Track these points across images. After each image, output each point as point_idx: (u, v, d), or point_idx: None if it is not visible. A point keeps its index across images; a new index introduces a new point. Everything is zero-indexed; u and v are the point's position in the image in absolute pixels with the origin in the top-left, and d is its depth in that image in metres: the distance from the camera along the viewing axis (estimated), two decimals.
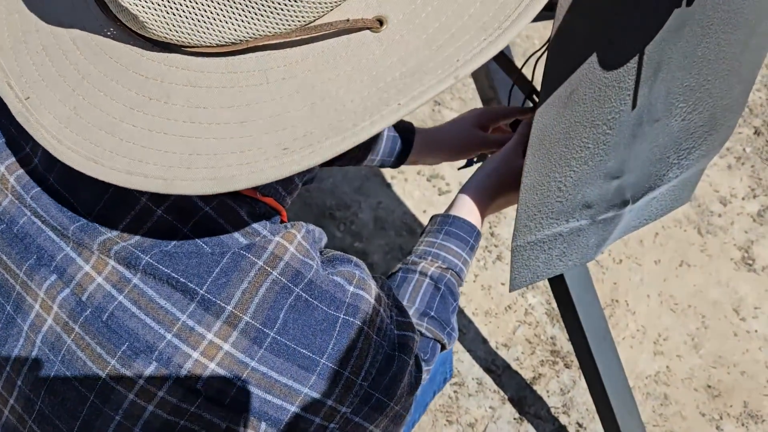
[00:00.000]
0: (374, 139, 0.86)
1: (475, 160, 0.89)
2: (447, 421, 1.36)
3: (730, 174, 1.77)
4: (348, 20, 0.38)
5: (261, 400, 0.45)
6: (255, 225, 0.47)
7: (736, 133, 1.85)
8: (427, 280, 0.68)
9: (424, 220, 1.62)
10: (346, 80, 0.38)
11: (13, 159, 0.49)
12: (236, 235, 0.46)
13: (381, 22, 0.39)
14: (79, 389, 0.45)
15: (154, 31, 0.39)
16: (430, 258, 0.70)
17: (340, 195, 1.65)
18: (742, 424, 1.39)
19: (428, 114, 1.82)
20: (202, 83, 0.40)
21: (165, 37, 0.39)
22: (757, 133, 1.85)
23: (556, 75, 0.56)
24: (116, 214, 0.46)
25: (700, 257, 1.62)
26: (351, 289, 0.49)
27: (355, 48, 0.39)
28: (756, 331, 1.51)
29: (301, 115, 0.38)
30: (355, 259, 0.53)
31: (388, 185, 1.67)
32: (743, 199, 1.72)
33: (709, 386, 1.43)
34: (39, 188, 0.48)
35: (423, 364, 0.64)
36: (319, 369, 0.46)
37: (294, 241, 0.47)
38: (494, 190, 0.75)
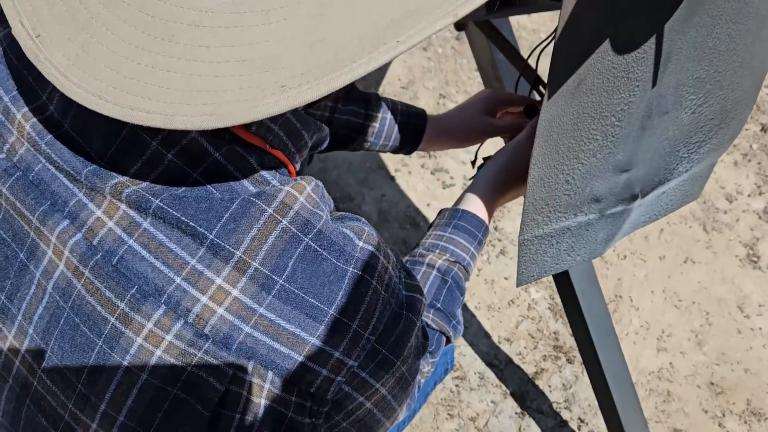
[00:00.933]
0: (379, 122, 0.86)
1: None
2: (448, 414, 1.35)
3: (737, 171, 1.76)
4: None
5: (268, 347, 0.45)
6: (264, 173, 0.48)
7: (743, 129, 1.84)
8: (435, 272, 0.68)
9: (428, 213, 1.61)
10: (347, 20, 0.39)
11: (30, 107, 0.50)
12: (245, 182, 0.47)
13: None
14: (88, 335, 0.46)
15: None
16: (438, 251, 0.70)
17: (344, 187, 1.64)
18: (745, 422, 1.38)
19: (433, 107, 1.81)
20: (206, 23, 0.40)
21: None
22: (764, 129, 1.84)
23: (563, 66, 0.55)
24: (128, 159, 0.47)
25: (705, 254, 1.61)
26: (360, 243, 0.49)
27: None
28: (760, 328, 1.50)
29: (300, 55, 0.39)
30: (363, 218, 0.53)
31: (392, 178, 1.67)
32: (749, 196, 1.71)
33: (713, 383, 1.43)
34: (53, 135, 0.48)
35: (428, 355, 0.64)
36: (326, 319, 0.46)
37: (304, 192, 0.48)
38: (503, 184, 0.75)
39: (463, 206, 0.74)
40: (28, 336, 0.48)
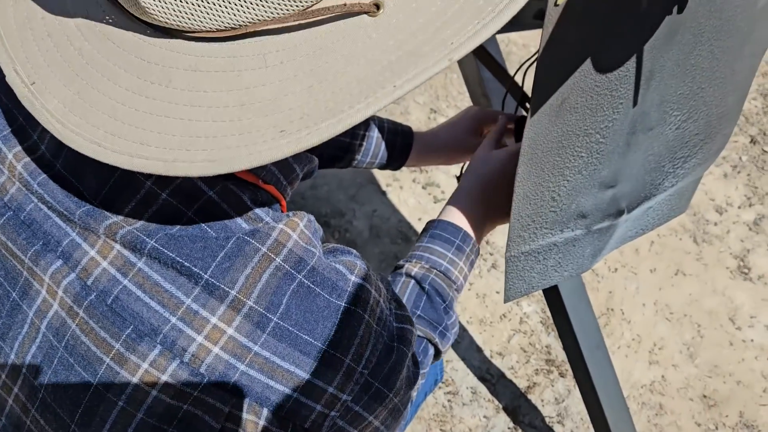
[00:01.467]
0: (366, 140, 0.87)
1: None
2: (441, 430, 1.35)
3: (726, 182, 1.77)
4: (345, 4, 0.39)
5: (263, 384, 0.45)
6: (258, 211, 0.48)
7: (732, 141, 1.85)
8: (412, 281, 0.69)
9: (419, 227, 1.61)
10: (343, 64, 0.39)
11: (21, 146, 0.50)
12: (239, 220, 0.47)
13: (378, 6, 0.39)
14: (82, 375, 0.45)
15: (157, 17, 0.40)
16: (414, 260, 0.71)
17: (335, 203, 1.64)
18: None
19: (424, 121, 1.81)
20: (203, 68, 0.40)
21: (167, 23, 0.40)
22: (753, 141, 1.85)
23: (546, 85, 0.56)
24: (122, 198, 0.47)
25: (696, 266, 1.61)
26: (352, 278, 0.49)
27: (352, 32, 0.40)
28: (752, 340, 1.51)
29: (298, 98, 0.39)
30: (354, 251, 0.54)
31: (383, 193, 1.67)
32: (739, 207, 1.72)
33: (705, 396, 1.43)
34: (46, 175, 0.48)
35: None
36: (320, 355, 0.46)
37: (297, 229, 0.48)
38: (483, 194, 0.75)
39: (440, 216, 0.75)
40: (21, 375, 0.48)
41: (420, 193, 1.67)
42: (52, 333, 0.46)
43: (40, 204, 0.48)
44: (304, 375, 0.46)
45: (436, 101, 1.86)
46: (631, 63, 0.60)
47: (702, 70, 0.67)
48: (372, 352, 0.49)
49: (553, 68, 0.55)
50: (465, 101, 1.86)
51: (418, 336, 0.66)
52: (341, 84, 0.38)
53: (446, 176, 1.70)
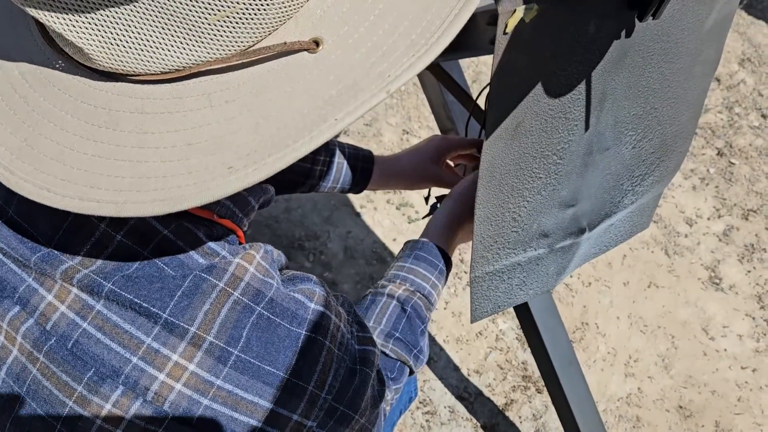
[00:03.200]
0: (327, 165, 0.88)
1: (438, 205, 0.91)
2: None
3: (695, 195, 1.80)
4: (285, 43, 0.40)
5: (228, 417, 0.45)
6: (213, 245, 0.48)
7: (699, 154, 1.89)
8: (394, 302, 0.70)
9: (394, 248, 1.62)
10: (286, 100, 0.40)
11: None
12: (196, 256, 0.47)
13: (317, 43, 0.41)
14: (45, 419, 0.45)
15: (100, 62, 0.40)
16: (398, 281, 0.72)
17: (309, 225, 1.64)
18: None
19: (397, 143, 1.83)
20: (149, 110, 0.41)
21: (111, 67, 0.40)
22: (720, 154, 1.89)
23: (500, 108, 0.57)
24: (76, 242, 0.47)
25: (668, 278, 1.64)
26: (312, 305, 0.50)
27: (293, 69, 0.41)
28: (725, 350, 1.53)
29: (244, 135, 0.39)
30: (314, 277, 0.54)
31: (358, 214, 1.67)
32: (708, 219, 1.75)
33: (681, 407, 1.44)
34: None
35: (391, 382, 0.65)
36: (283, 384, 0.46)
37: (253, 262, 0.48)
38: (458, 220, 0.76)
39: (424, 237, 0.76)
40: None
41: (394, 214, 1.68)
42: (12, 378, 0.46)
43: None
44: (268, 405, 0.46)
45: (408, 122, 1.87)
46: (582, 86, 0.61)
47: (653, 90, 0.69)
48: (335, 377, 0.49)
49: (506, 93, 0.56)
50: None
51: (392, 358, 0.67)
52: (285, 119, 0.39)
53: (419, 196, 1.71)
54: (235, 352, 0.45)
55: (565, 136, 0.64)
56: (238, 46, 0.40)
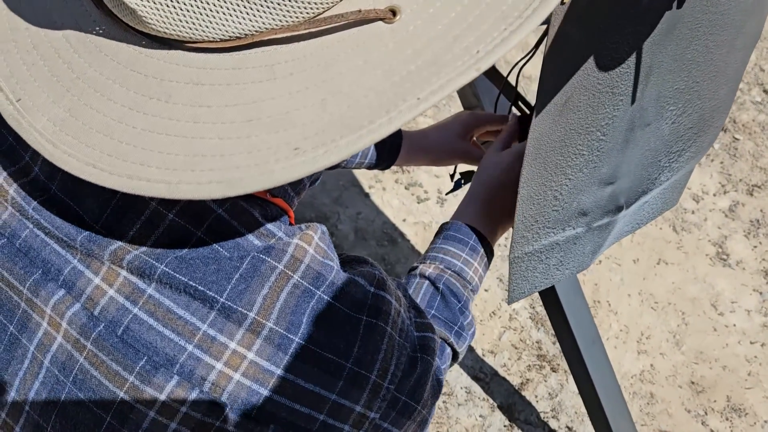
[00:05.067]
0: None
1: (462, 182, 0.89)
2: None
3: (701, 171, 1.80)
4: (360, 11, 0.36)
5: (289, 409, 0.43)
6: (269, 226, 0.46)
7: None
8: (426, 281, 0.68)
9: (405, 228, 1.60)
10: (358, 74, 0.36)
11: (12, 169, 0.46)
12: (251, 237, 0.44)
13: (394, 13, 0.37)
14: (94, 411, 0.43)
15: (154, 26, 0.36)
16: (428, 261, 0.70)
17: (319, 206, 1.62)
18: (727, 418, 1.40)
19: (420, 119, 1.81)
20: (205, 80, 0.37)
21: (165, 33, 0.37)
22: (724, 129, 1.89)
23: (551, 84, 0.55)
24: (126, 221, 0.44)
25: (677, 254, 1.64)
26: (372, 290, 0.47)
27: (366, 40, 0.37)
28: (734, 325, 1.54)
29: (311, 113, 0.36)
30: (370, 259, 0.52)
31: (367, 195, 1.66)
32: (714, 195, 1.75)
33: (693, 382, 1.45)
34: (41, 198, 0.45)
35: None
36: (345, 374, 0.44)
37: (312, 243, 0.46)
38: (493, 194, 0.74)
39: (453, 218, 0.74)
40: (24, 413, 0.45)
41: (403, 194, 1.67)
42: (57, 368, 0.44)
43: (37, 230, 0.45)
44: (331, 395, 0.44)
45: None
46: (632, 59, 0.60)
47: (697, 64, 0.67)
48: (397, 365, 0.47)
49: (559, 67, 0.55)
50: (458, 99, 1.86)
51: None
52: (358, 97, 0.36)
53: (428, 176, 1.69)
54: (296, 339, 0.43)
55: (611, 111, 0.63)
56: (307, 13, 0.36)
